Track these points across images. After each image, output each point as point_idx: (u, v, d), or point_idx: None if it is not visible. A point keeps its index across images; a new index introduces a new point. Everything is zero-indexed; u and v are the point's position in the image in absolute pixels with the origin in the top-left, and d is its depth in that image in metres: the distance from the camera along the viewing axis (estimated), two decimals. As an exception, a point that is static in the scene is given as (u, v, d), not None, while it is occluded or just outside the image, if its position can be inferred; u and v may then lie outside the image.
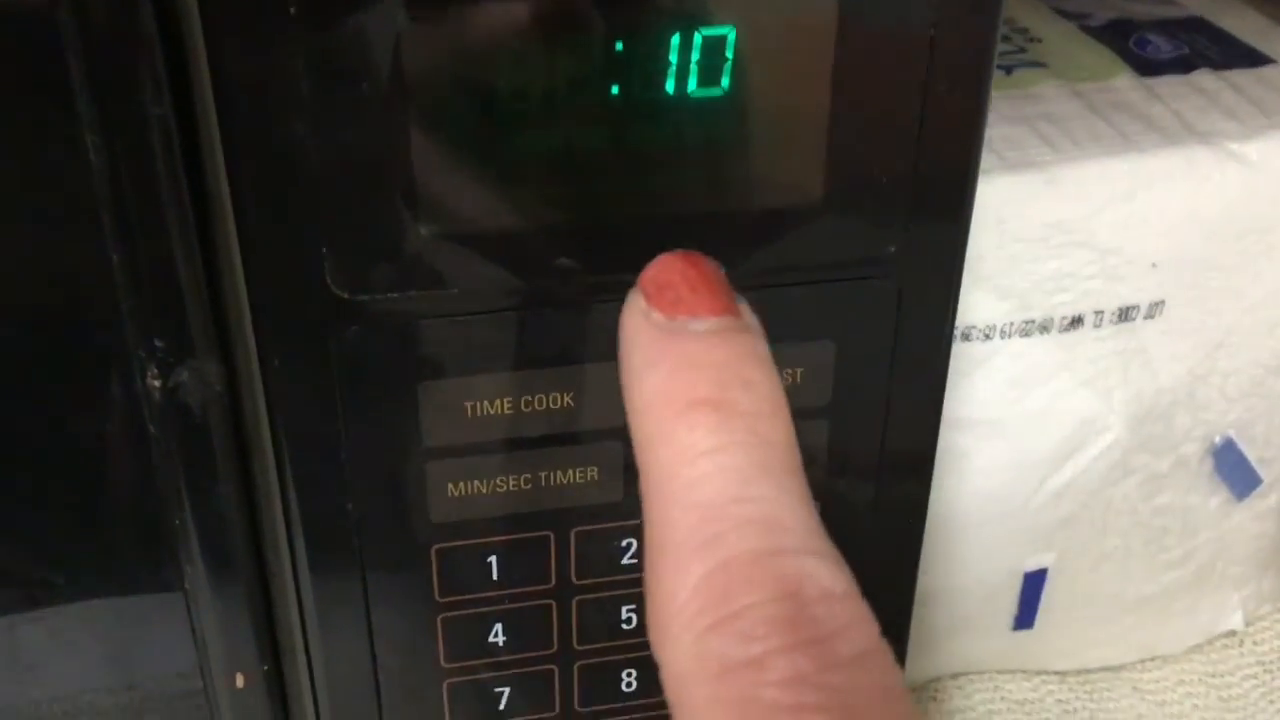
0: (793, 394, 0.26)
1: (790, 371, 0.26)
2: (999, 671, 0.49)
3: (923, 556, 0.32)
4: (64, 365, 0.23)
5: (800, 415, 0.26)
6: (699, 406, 0.19)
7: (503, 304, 0.24)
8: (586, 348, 0.25)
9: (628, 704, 0.30)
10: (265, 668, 0.27)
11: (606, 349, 0.25)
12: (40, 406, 0.24)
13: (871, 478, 0.28)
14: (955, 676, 0.49)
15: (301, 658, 0.28)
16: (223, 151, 0.22)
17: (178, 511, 0.25)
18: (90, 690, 0.28)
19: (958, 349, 0.40)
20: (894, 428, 0.27)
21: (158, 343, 0.23)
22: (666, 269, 0.20)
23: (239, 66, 0.21)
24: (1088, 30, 0.46)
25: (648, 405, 0.19)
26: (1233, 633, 0.50)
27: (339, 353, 0.24)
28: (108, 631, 0.27)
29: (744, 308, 0.20)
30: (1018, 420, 0.41)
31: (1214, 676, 0.49)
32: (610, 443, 0.26)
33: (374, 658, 0.28)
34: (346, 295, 0.23)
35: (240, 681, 0.27)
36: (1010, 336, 0.40)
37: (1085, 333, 0.40)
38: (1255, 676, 0.49)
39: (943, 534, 0.43)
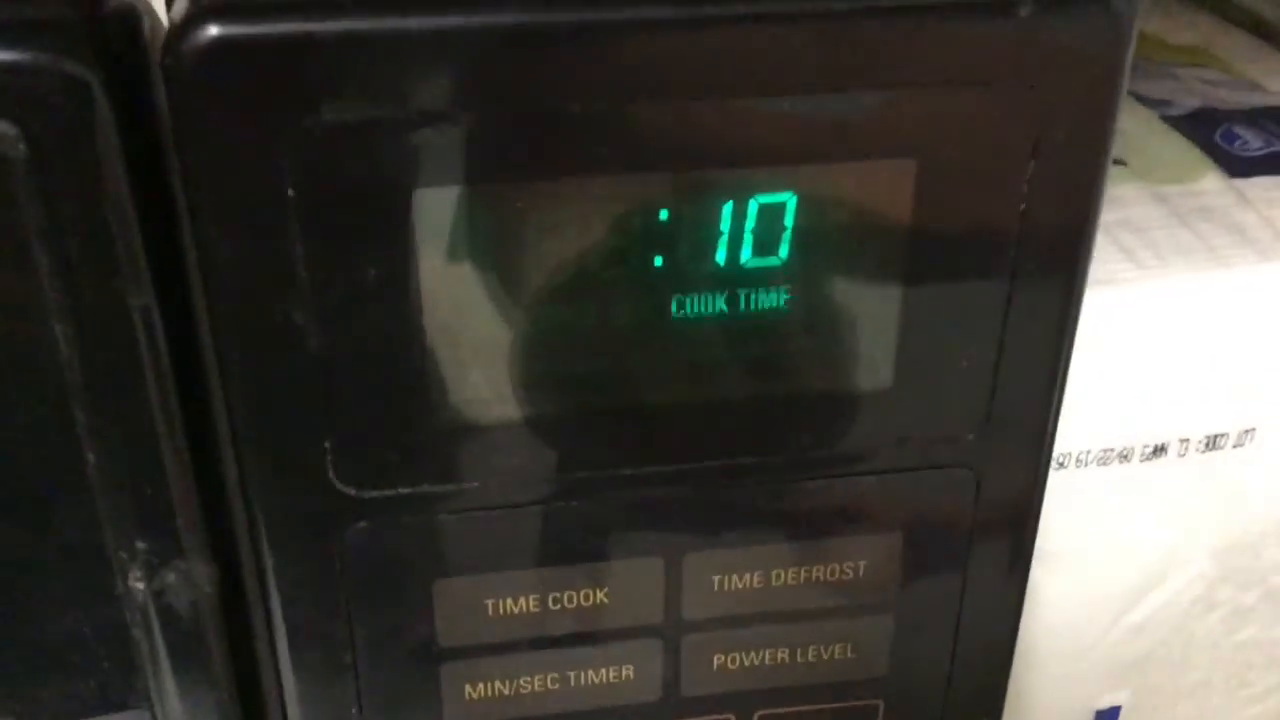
0: (856, 588, 0.23)
1: (853, 565, 0.23)
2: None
3: None
4: (35, 564, 0.21)
5: (865, 611, 0.23)
6: None
7: (526, 498, 0.21)
8: (619, 542, 0.22)
9: None
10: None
11: (640, 544, 0.22)
12: (11, 606, 0.21)
13: (942, 677, 0.25)
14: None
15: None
16: (213, 340, 0.19)
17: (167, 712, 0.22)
18: None
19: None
20: (968, 619, 0.24)
21: (140, 544, 0.20)
22: None
23: (230, 252, 0.18)
24: (1169, 121, 0.43)
25: None
26: (1320, 767, 0.47)
27: (345, 551, 0.21)
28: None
29: None
30: (1094, 552, 0.38)
31: (1299, 814, 0.46)
32: (647, 640, 0.23)
33: None
34: (353, 491, 0.21)
35: None
36: (1088, 465, 0.37)
37: (1169, 461, 0.37)
38: (1344, 815, 0.46)
39: (1014, 667, 0.39)
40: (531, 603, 0.22)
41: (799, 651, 0.24)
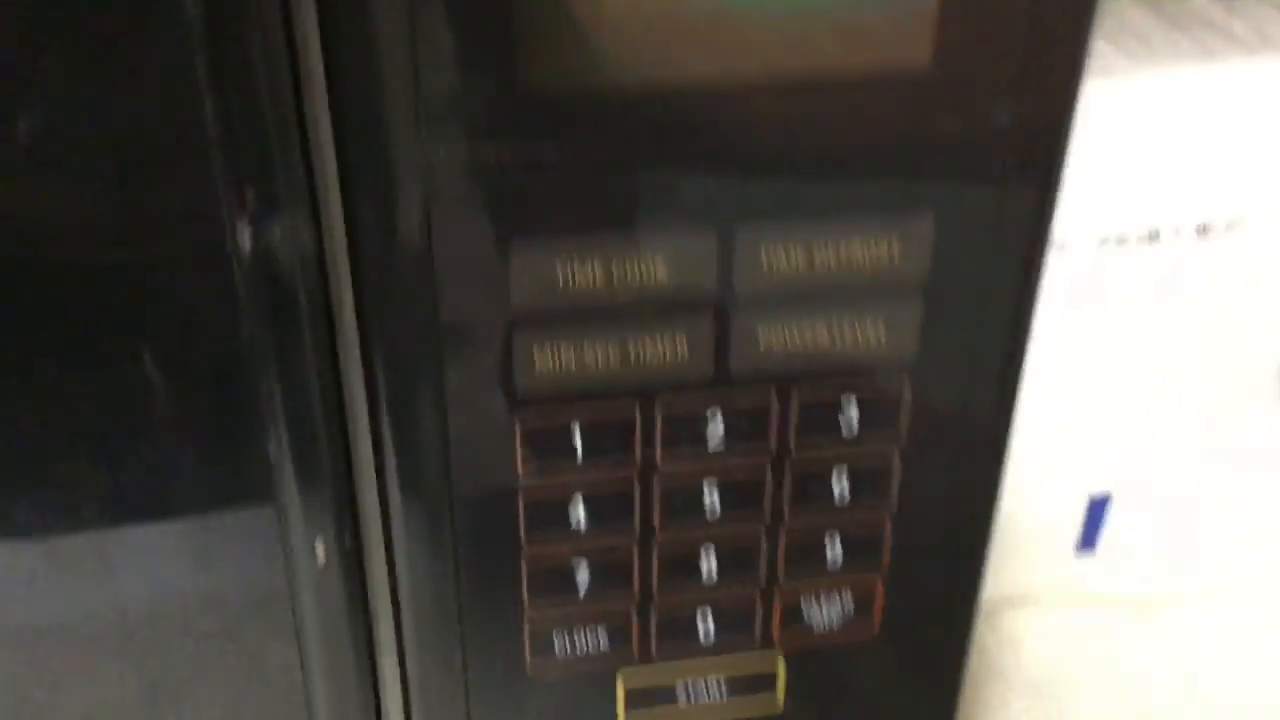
0: (890, 270, 0.25)
1: (887, 242, 0.25)
2: (1059, 600, 0.49)
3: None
4: (151, 220, 0.23)
5: (897, 292, 0.25)
6: None
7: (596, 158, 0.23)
8: (684, 211, 0.24)
9: (705, 592, 0.29)
10: (345, 544, 0.27)
11: (706, 215, 0.24)
12: (129, 266, 0.23)
13: (964, 368, 0.27)
14: (1014, 604, 0.48)
15: (380, 534, 0.27)
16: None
17: (264, 379, 0.24)
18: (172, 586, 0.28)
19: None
20: (987, 312, 0.27)
21: (248, 192, 0.22)
22: None
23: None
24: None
25: None
26: (1295, 562, 0.49)
27: (432, 209, 0.23)
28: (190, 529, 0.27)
29: None
30: (1088, 338, 0.40)
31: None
32: (702, 316, 0.26)
33: (454, 534, 0.27)
34: (440, 149, 0.23)
35: (321, 555, 0.27)
36: (1083, 245, 0.39)
37: (1166, 243, 0.39)
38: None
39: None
40: (598, 272, 0.25)
41: (837, 333, 0.26)
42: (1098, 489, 0.44)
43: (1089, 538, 0.46)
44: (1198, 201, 0.39)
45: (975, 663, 0.47)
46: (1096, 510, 0.44)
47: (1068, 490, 0.44)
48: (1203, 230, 0.39)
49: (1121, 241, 0.39)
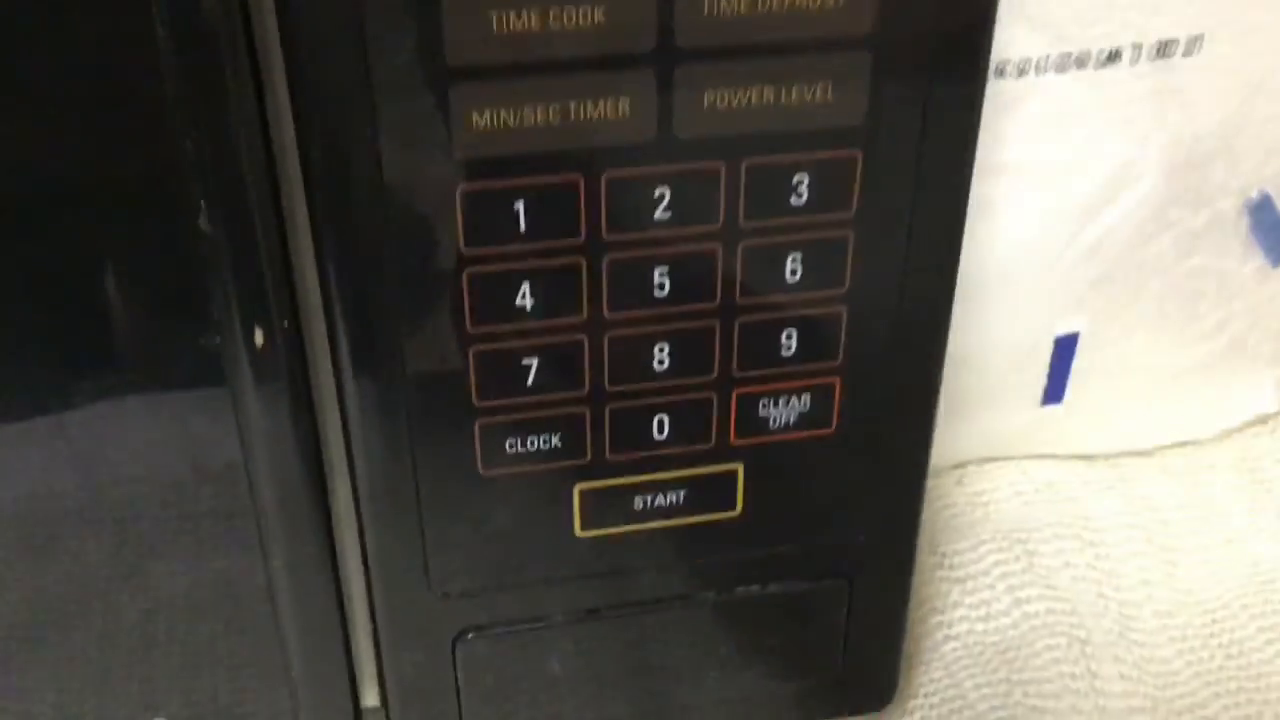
0: (836, 18, 0.25)
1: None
2: (1026, 456, 0.48)
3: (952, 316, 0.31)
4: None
5: (844, 43, 0.25)
6: None
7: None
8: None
9: (660, 383, 0.29)
10: (285, 323, 0.26)
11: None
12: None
13: (906, 205, 0.27)
14: (981, 462, 0.48)
15: (320, 317, 0.27)
16: None
17: (190, 135, 0.24)
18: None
19: (990, 87, 0.39)
20: (939, 71, 0.26)
21: (164, -80, 0.21)
22: None
23: None
24: None
25: None
26: (1265, 418, 0.49)
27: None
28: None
29: None
30: (1051, 165, 0.40)
31: (1245, 460, 0.48)
32: (641, 69, 0.25)
33: (398, 315, 0.26)
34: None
35: (259, 339, 0.26)
36: (1046, 71, 0.38)
37: (1122, 69, 0.39)
38: (1287, 460, 0.48)
39: (972, 291, 0.41)
40: (534, 19, 0.24)
41: (784, 91, 0.26)
42: (1065, 329, 0.43)
43: (1056, 387, 0.45)
44: (1159, 20, 0.38)
45: (944, 518, 0.47)
46: (1064, 351, 0.44)
47: (1034, 331, 0.43)
48: (1163, 49, 0.39)
49: (1082, 63, 0.38)
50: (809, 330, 0.29)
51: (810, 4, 0.25)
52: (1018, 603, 0.42)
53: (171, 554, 0.30)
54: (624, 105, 0.25)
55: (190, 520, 0.29)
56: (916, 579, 0.42)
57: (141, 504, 0.29)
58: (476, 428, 0.28)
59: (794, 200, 0.27)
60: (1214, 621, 0.42)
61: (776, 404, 0.30)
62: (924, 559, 0.43)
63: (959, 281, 0.33)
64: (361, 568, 0.30)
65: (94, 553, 0.30)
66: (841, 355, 0.29)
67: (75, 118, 0.24)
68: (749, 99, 0.26)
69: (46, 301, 0.26)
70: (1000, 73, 0.38)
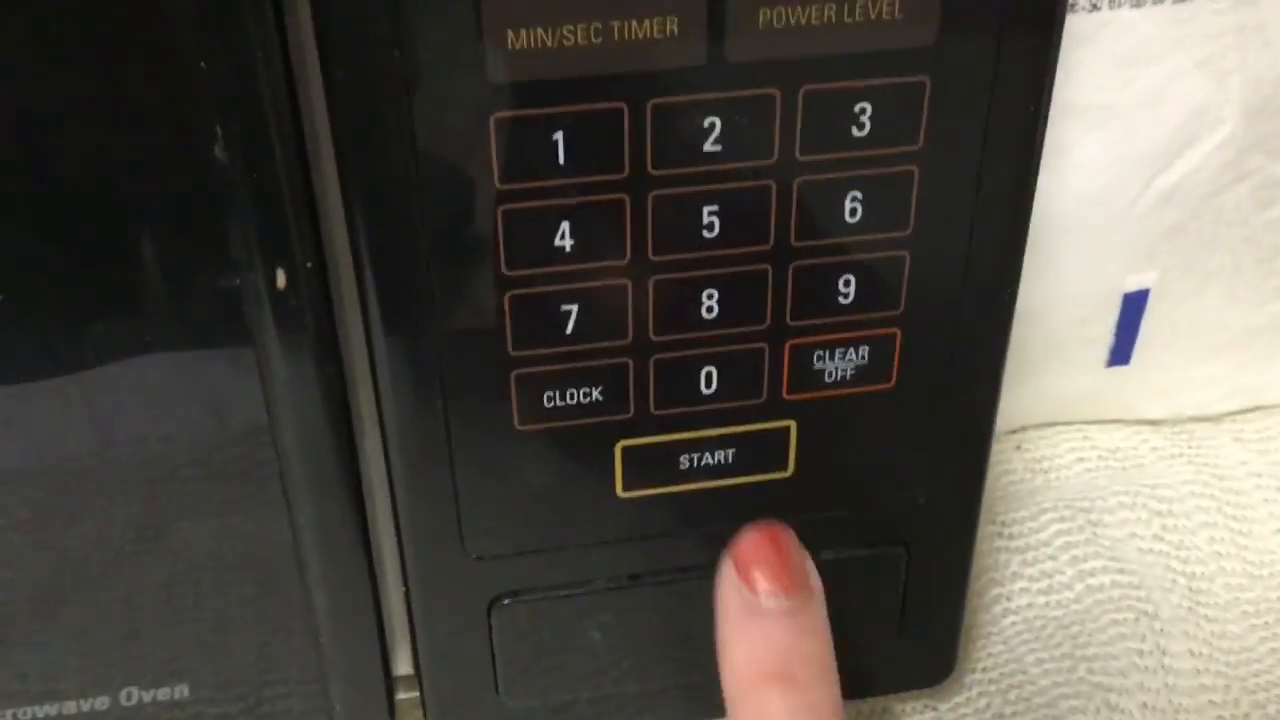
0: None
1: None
2: (1087, 421, 0.46)
3: None
4: None
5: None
6: (769, 680, 0.25)
7: None
8: None
9: (708, 332, 0.27)
10: (308, 264, 0.24)
11: None
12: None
13: (977, 140, 0.25)
14: (1040, 427, 0.46)
15: (346, 257, 0.25)
16: None
17: (203, 54, 0.22)
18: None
19: (1060, 24, 0.36)
20: (1005, 72, 0.24)
21: None
22: (753, 548, 0.27)
23: None
24: None
25: (733, 674, 0.26)
26: (1343, 383, 0.47)
27: None
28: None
29: (811, 576, 0.27)
30: (1126, 107, 0.37)
31: (1321, 427, 0.46)
32: (693, -17, 0.23)
33: (427, 257, 0.25)
34: None
35: (281, 280, 0.24)
36: (1120, 6, 0.36)
37: (1202, 4, 0.36)
38: (1366, 428, 0.46)
39: (1036, 241, 0.39)
40: (574, -73, 0.22)
41: (846, 8, 0.23)
42: (1134, 285, 0.41)
43: (1123, 348, 0.43)
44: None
45: (1002, 485, 0.44)
46: (1133, 309, 0.41)
47: (1101, 286, 0.41)
48: (1248, -17, 0.36)
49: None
50: (869, 276, 0.27)
51: (877, -90, 0.23)
52: (1081, 575, 0.40)
53: (194, 514, 0.28)
54: (672, 25, 0.23)
55: (212, 477, 0.28)
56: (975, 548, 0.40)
57: (161, 461, 0.27)
58: (512, 379, 0.27)
59: (855, 131, 0.25)
60: (1291, 596, 0.40)
61: (832, 356, 0.28)
62: (982, 528, 0.41)
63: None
64: (393, 529, 0.29)
65: (116, 514, 0.28)
66: (903, 304, 0.27)
67: (84, 41, 0.22)
68: (808, 18, 0.23)
69: (56, 247, 0.24)
70: (1071, 7, 0.36)
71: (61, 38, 0.22)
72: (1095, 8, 0.36)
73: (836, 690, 0.26)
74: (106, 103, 0.22)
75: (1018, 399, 0.44)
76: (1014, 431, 0.46)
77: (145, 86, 0.22)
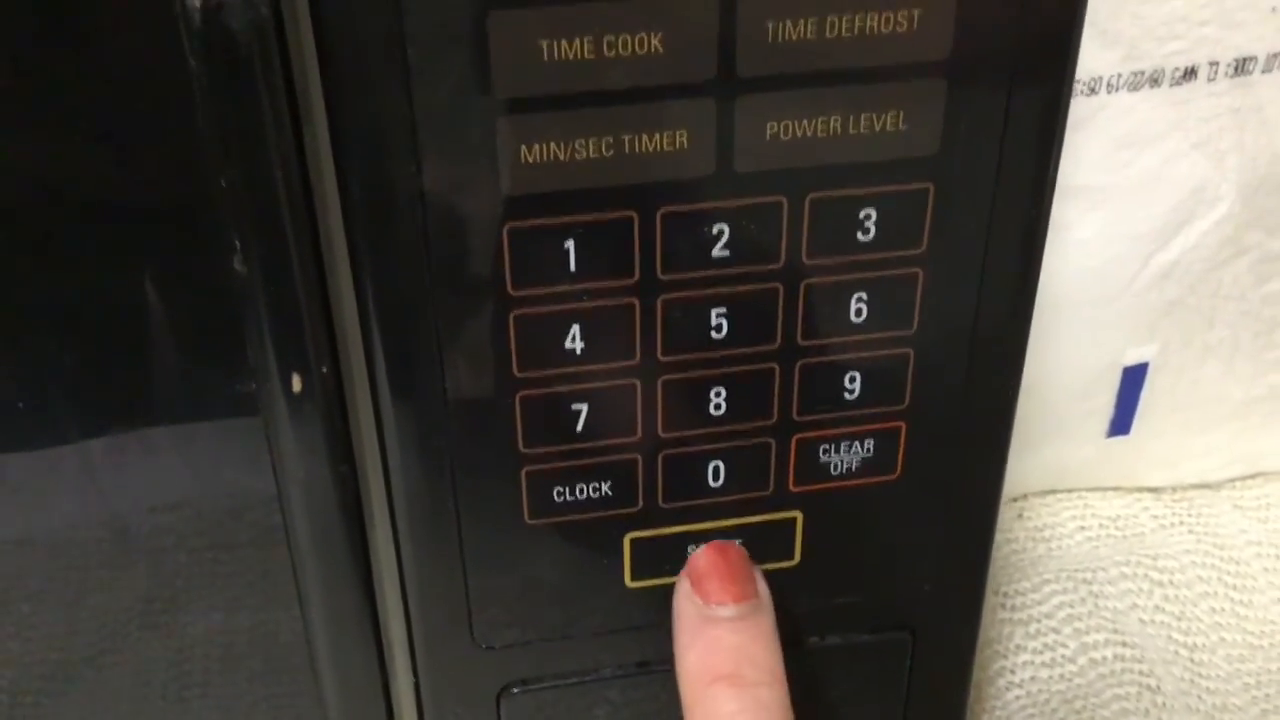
0: (910, 45, 0.23)
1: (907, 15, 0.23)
2: (1089, 489, 0.46)
3: None
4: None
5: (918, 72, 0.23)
6: (720, 681, 0.27)
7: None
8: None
9: (715, 428, 0.27)
10: (324, 368, 0.25)
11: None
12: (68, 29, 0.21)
13: (980, 241, 0.25)
14: (1043, 494, 0.46)
15: (361, 360, 0.25)
16: None
17: (224, 172, 0.22)
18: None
19: (1058, 107, 0.37)
20: (1016, 100, 0.24)
21: (196, -50, 0.20)
22: (706, 562, 0.28)
23: None
24: None
25: (687, 678, 0.27)
26: (1341, 449, 0.47)
27: (400, -29, 0.21)
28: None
29: (760, 585, 0.28)
30: (1124, 187, 0.38)
31: (1320, 494, 0.46)
32: (700, 100, 0.23)
33: (441, 359, 0.25)
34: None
35: (297, 385, 0.25)
36: (1118, 90, 0.37)
37: (1198, 87, 0.37)
38: (1364, 493, 0.46)
39: (1038, 317, 0.39)
40: (586, 47, 0.22)
41: (851, 121, 0.24)
42: (1134, 358, 0.41)
43: (1123, 418, 0.43)
44: (1237, 36, 0.36)
45: (1005, 554, 0.45)
46: (1133, 381, 0.42)
47: (1102, 359, 0.41)
48: (1241, 66, 0.37)
49: (1156, 82, 0.37)
50: (874, 373, 0.27)
51: (882, 28, 0.23)
52: (1084, 648, 0.40)
53: (208, 602, 0.28)
54: (681, 138, 0.24)
55: (227, 567, 0.28)
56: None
57: (178, 549, 0.28)
58: (523, 476, 0.27)
59: (861, 236, 0.25)
60: (1292, 667, 0.40)
61: (838, 450, 0.28)
62: (986, 600, 0.42)
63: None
64: (403, 619, 0.29)
65: (130, 596, 0.29)
66: (908, 399, 0.28)
67: (108, 153, 0.23)
68: (815, 130, 0.24)
69: (82, 342, 0.25)
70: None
71: (91, 153, 0.22)
72: (1093, 91, 0.37)
73: (785, 692, 0.27)
74: (136, 215, 0.23)
75: (1020, 468, 0.45)
76: (1016, 500, 0.46)
77: (170, 201, 0.23)
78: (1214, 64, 0.37)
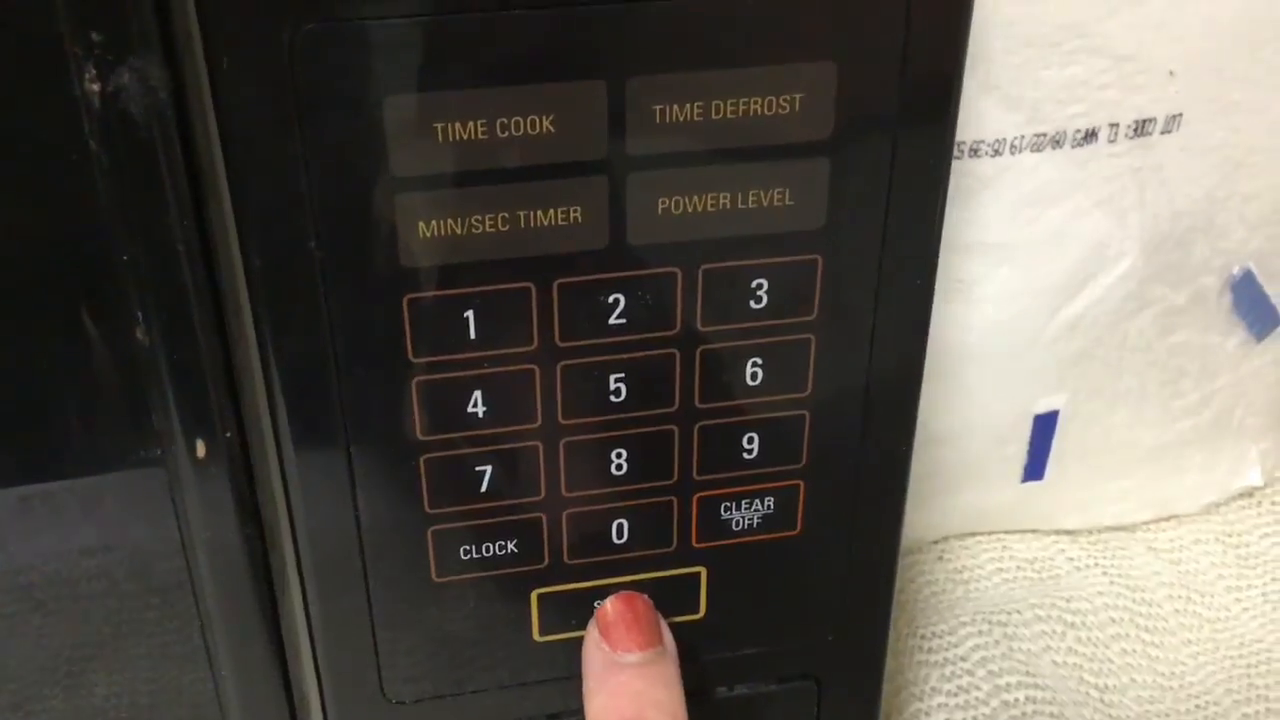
0: (793, 125, 0.24)
1: (789, 99, 0.24)
2: (1008, 531, 0.47)
3: (930, 394, 0.30)
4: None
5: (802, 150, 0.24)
6: None
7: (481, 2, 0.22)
8: (571, 61, 0.23)
9: (618, 487, 0.28)
10: (228, 434, 0.25)
11: (592, 62, 0.23)
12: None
13: (869, 306, 0.26)
14: (963, 536, 0.47)
15: (267, 423, 0.26)
16: None
17: (126, 247, 0.23)
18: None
19: (965, 166, 0.38)
20: (899, 175, 0.25)
21: (95, 36, 0.21)
22: (614, 610, 0.29)
23: None
24: None
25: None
26: (1250, 491, 0.48)
27: (297, 55, 0.22)
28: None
29: (666, 634, 0.29)
30: (1029, 244, 0.39)
31: (1230, 535, 0.48)
32: (593, 177, 0.24)
33: (346, 424, 0.26)
34: (299, -12, 0.21)
35: (201, 450, 0.25)
36: (1021, 151, 0.38)
37: (1100, 147, 0.38)
38: (1273, 535, 0.48)
39: (951, 368, 0.41)
40: (479, 129, 0.23)
41: (739, 197, 0.25)
42: (1045, 406, 0.42)
43: (1036, 464, 0.45)
44: (1136, 98, 0.38)
45: (925, 596, 0.46)
46: (1044, 429, 0.43)
47: (1014, 408, 0.42)
48: (1141, 128, 0.38)
49: (1058, 143, 0.38)
50: (771, 434, 0.28)
51: (766, 110, 0.24)
52: (997, 690, 0.41)
53: (119, 663, 0.29)
54: (575, 213, 0.24)
55: (137, 628, 0.28)
56: (895, 662, 0.42)
57: (84, 614, 0.28)
58: (429, 535, 0.28)
59: (754, 304, 0.26)
60: (1198, 708, 0.41)
61: (739, 507, 0.29)
62: (904, 641, 0.43)
63: (938, 359, 0.32)
64: (314, 676, 0.29)
65: (39, 658, 0.29)
66: (805, 458, 0.28)
67: (11, 227, 0.23)
68: (705, 205, 0.25)
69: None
70: (975, 152, 0.38)
71: (2, 223, 0.23)
72: (998, 153, 0.38)
73: None
74: (40, 286, 0.23)
75: (940, 512, 0.46)
76: (936, 542, 0.47)
77: (73, 273, 0.23)
78: (1114, 125, 0.38)
